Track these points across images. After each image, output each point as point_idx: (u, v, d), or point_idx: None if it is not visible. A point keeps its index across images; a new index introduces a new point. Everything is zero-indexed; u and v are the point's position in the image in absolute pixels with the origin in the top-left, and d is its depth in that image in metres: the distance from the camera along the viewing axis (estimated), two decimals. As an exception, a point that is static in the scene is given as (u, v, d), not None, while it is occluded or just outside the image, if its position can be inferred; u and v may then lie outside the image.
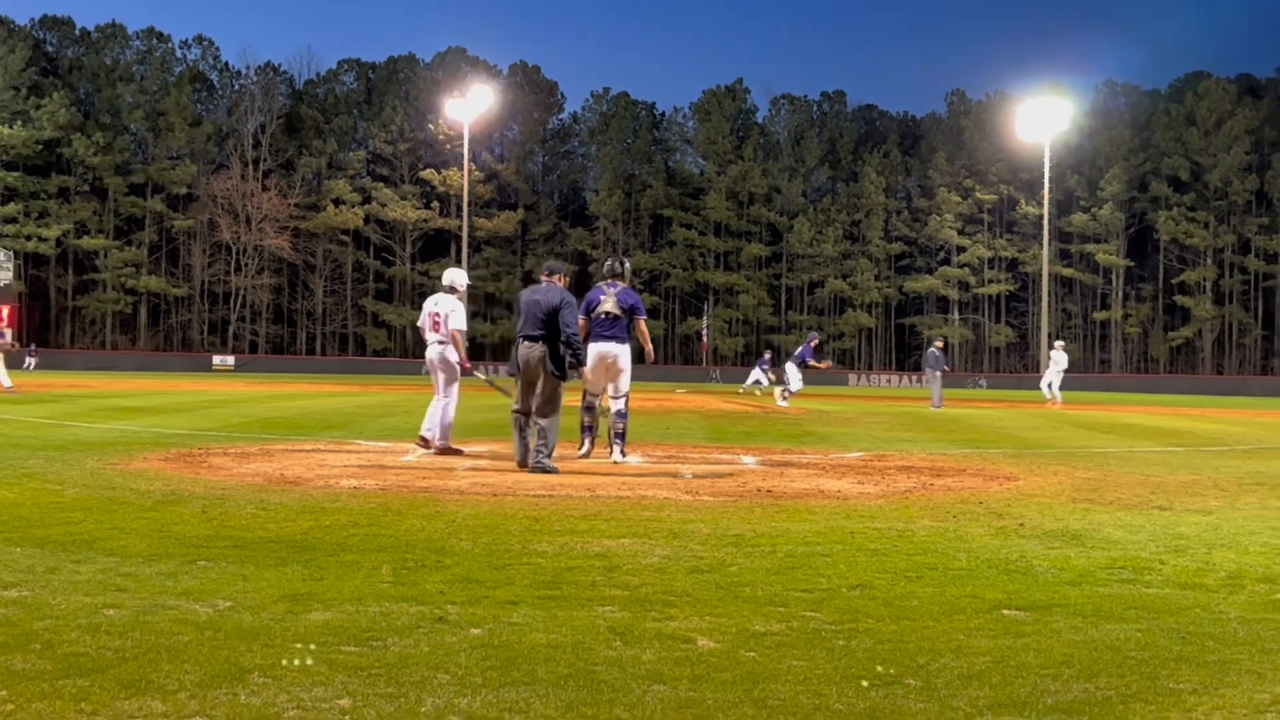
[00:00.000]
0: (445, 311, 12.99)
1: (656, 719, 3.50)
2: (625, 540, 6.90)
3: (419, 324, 13.46)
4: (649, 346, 13.01)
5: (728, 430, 18.92)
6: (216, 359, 77.31)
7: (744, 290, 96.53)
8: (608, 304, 12.24)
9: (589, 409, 12.71)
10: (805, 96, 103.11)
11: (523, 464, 11.11)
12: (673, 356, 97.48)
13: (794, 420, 22.86)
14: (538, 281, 11.66)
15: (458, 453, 12.73)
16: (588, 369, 12.01)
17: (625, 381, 12.39)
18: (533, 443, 11.14)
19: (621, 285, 12.49)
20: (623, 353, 12.28)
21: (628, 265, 12.93)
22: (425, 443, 12.85)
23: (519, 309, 11.41)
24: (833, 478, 11.11)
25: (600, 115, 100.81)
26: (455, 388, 13.07)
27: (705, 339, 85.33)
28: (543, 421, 11.03)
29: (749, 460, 13.00)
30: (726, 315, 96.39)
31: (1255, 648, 4.58)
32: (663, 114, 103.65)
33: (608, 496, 9.09)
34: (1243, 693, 3.92)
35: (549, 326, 11.07)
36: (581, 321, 12.06)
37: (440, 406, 12.88)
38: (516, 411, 11.54)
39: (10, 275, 67.54)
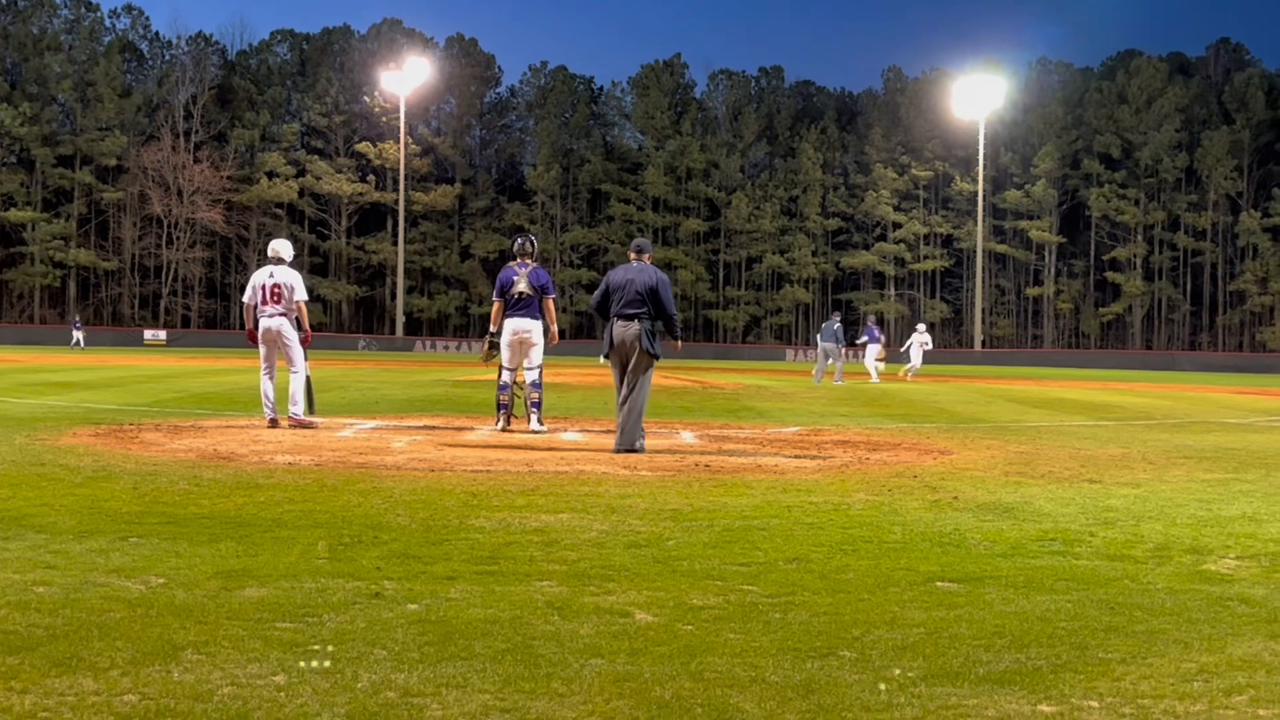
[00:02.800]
0: (288, 283, 12.71)
1: (594, 693, 3.50)
2: (563, 515, 6.90)
3: (246, 299, 12.97)
4: (554, 327, 13.20)
5: (666, 405, 18.96)
6: (148, 333, 76.26)
7: (682, 265, 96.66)
8: (521, 284, 12.82)
9: (504, 387, 12.90)
10: (743, 72, 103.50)
11: (629, 449, 10.77)
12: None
13: (731, 395, 22.97)
14: (626, 261, 11.70)
15: (312, 425, 12.60)
16: (504, 346, 12.90)
17: (538, 355, 12.93)
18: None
19: (532, 265, 13.02)
20: (535, 328, 12.87)
21: (536, 244, 13.47)
22: (275, 423, 12.57)
23: (609, 288, 11.29)
24: (770, 452, 11.18)
25: (538, 89, 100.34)
26: (302, 358, 12.85)
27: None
28: (632, 405, 10.95)
29: (687, 435, 13.05)
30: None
31: (1182, 618, 4.67)
32: (601, 88, 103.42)
33: (546, 472, 9.08)
34: (1170, 662, 4.00)
35: (646, 305, 11.04)
36: (496, 305, 12.95)
37: (294, 379, 12.73)
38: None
39: (-66, 248, 66.35)
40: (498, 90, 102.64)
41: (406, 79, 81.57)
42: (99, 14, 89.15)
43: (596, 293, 11.50)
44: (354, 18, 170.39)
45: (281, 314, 12.68)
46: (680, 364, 44.38)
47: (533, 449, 10.88)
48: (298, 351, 12.77)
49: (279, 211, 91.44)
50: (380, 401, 18.02)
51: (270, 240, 13.45)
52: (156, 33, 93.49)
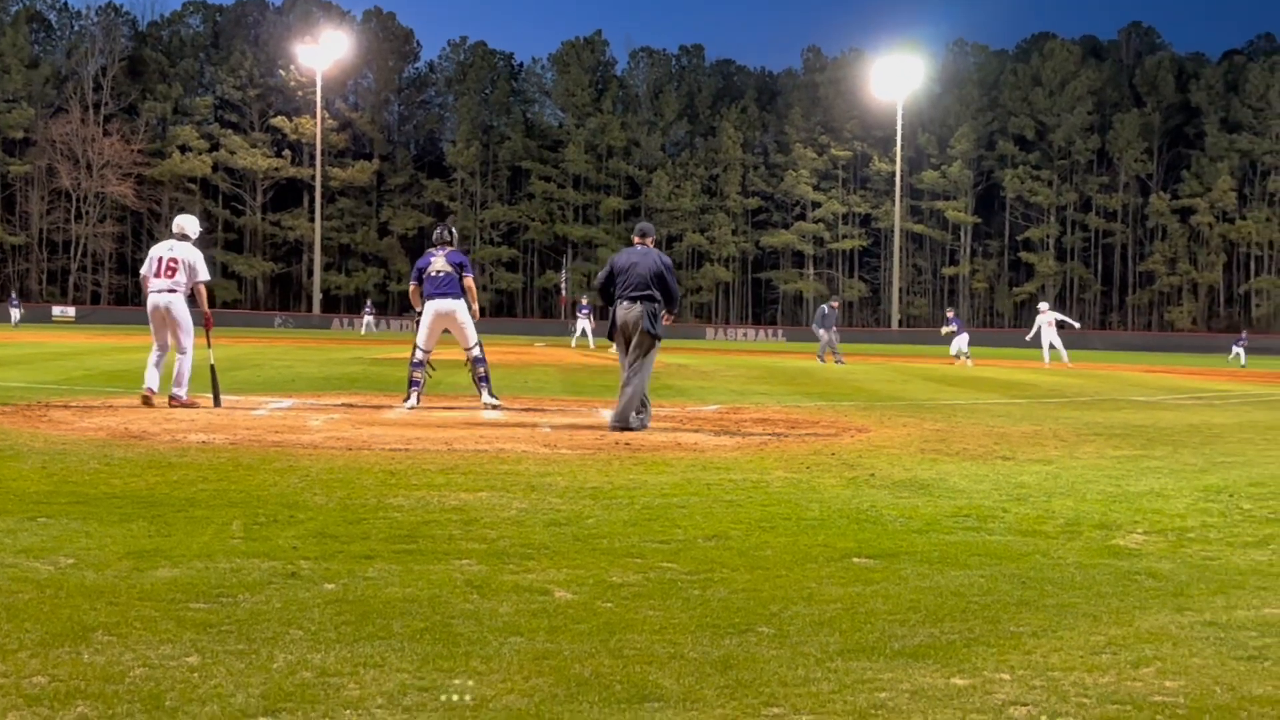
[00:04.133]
0: (187, 260, 12.31)
1: (513, 670, 3.50)
2: (483, 494, 6.88)
3: (143, 271, 12.54)
4: (475, 305, 13.24)
5: (586, 384, 18.96)
6: (56, 310, 74.58)
7: (603, 244, 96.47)
8: (438, 263, 12.83)
9: (419, 365, 12.87)
10: (664, 50, 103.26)
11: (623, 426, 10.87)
12: (531, 310, 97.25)
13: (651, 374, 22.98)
14: (630, 245, 11.83)
15: (194, 405, 12.02)
16: (423, 325, 12.88)
17: (471, 332, 12.96)
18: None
19: (448, 248, 13.08)
20: (459, 307, 12.86)
21: (455, 233, 13.69)
22: (148, 400, 12.09)
23: (614, 271, 11.39)
24: (690, 430, 11.23)
25: (458, 65, 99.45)
26: (191, 340, 12.43)
27: (564, 292, 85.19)
28: (635, 380, 11.09)
29: (607, 413, 13.03)
30: (585, 269, 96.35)
31: (1091, 592, 4.77)
32: (521, 65, 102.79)
33: (465, 450, 9.04)
34: (1080, 635, 4.09)
35: (650, 288, 11.16)
36: (413, 287, 12.99)
37: (181, 360, 12.25)
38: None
39: None
40: (416, 65, 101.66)
41: (323, 52, 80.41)
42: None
43: (600, 274, 11.65)
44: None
45: (173, 290, 12.20)
46: (601, 343, 44.34)
47: (451, 427, 10.83)
48: (188, 333, 12.32)
49: (192, 186, 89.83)
50: (297, 379, 17.81)
51: (176, 216, 12.99)
52: (65, 2, 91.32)
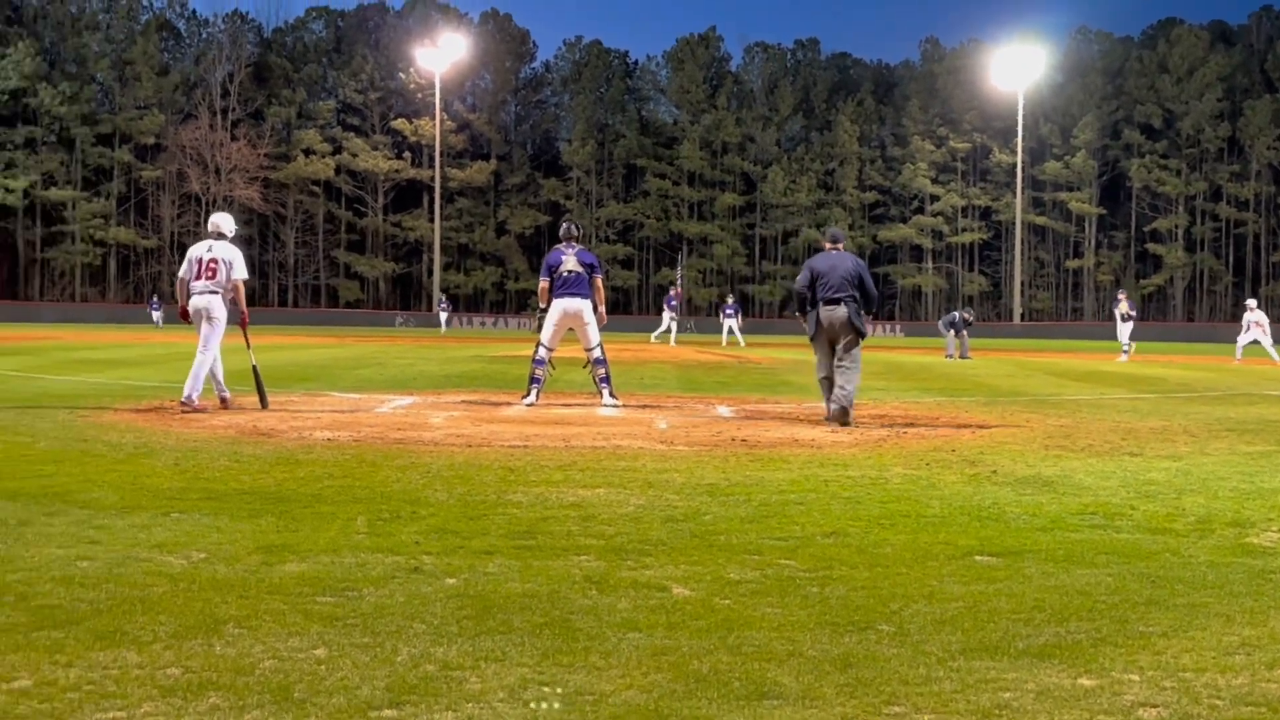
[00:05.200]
0: (226, 259, 12.00)
1: (632, 665, 3.51)
2: (600, 490, 6.92)
3: (181, 274, 12.19)
4: (603, 307, 13.32)
5: (702, 380, 18.95)
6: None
7: (718, 240, 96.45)
8: (569, 263, 12.90)
9: (540, 362, 12.97)
10: (779, 44, 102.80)
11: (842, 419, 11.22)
12: (647, 307, 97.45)
13: (768, 370, 22.91)
14: (822, 250, 12.18)
15: (203, 410, 11.50)
16: (549, 324, 12.96)
17: (594, 333, 12.98)
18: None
19: (579, 246, 13.18)
20: (586, 307, 12.93)
21: (581, 229, 13.65)
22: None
23: (814, 275, 11.75)
24: (807, 426, 11.15)
25: (573, 64, 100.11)
26: (218, 339, 12.03)
27: (679, 289, 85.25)
28: (849, 377, 11.40)
29: (724, 410, 13.03)
30: (700, 265, 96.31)
31: (1224, 591, 4.63)
32: (635, 62, 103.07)
33: (583, 447, 9.10)
34: (1211, 635, 3.97)
35: (850, 289, 11.58)
36: (544, 284, 13.02)
37: (199, 358, 11.88)
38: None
39: (-23, 228, 67.09)
40: (532, 66, 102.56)
41: (442, 55, 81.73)
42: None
43: (801, 279, 11.91)
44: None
45: (213, 291, 11.96)
46: (716, 339, 44.29)
47: (569, 424, 10.90)
48: (218, 333, 11.98)
49: (315, 189, 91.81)
50: (418, 378, 18.09)
51: (212, 215, 12.62)
52: (194, 10, 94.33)
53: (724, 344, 39.67)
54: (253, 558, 4.93)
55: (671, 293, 43.52)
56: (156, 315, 58.45)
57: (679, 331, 41.69)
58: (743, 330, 41.60)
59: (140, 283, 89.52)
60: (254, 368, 12.29)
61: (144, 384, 15.63)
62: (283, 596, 4.28)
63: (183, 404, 11.56)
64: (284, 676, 3.36)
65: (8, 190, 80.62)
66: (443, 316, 65.15)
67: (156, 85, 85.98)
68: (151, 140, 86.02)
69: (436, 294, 72.38)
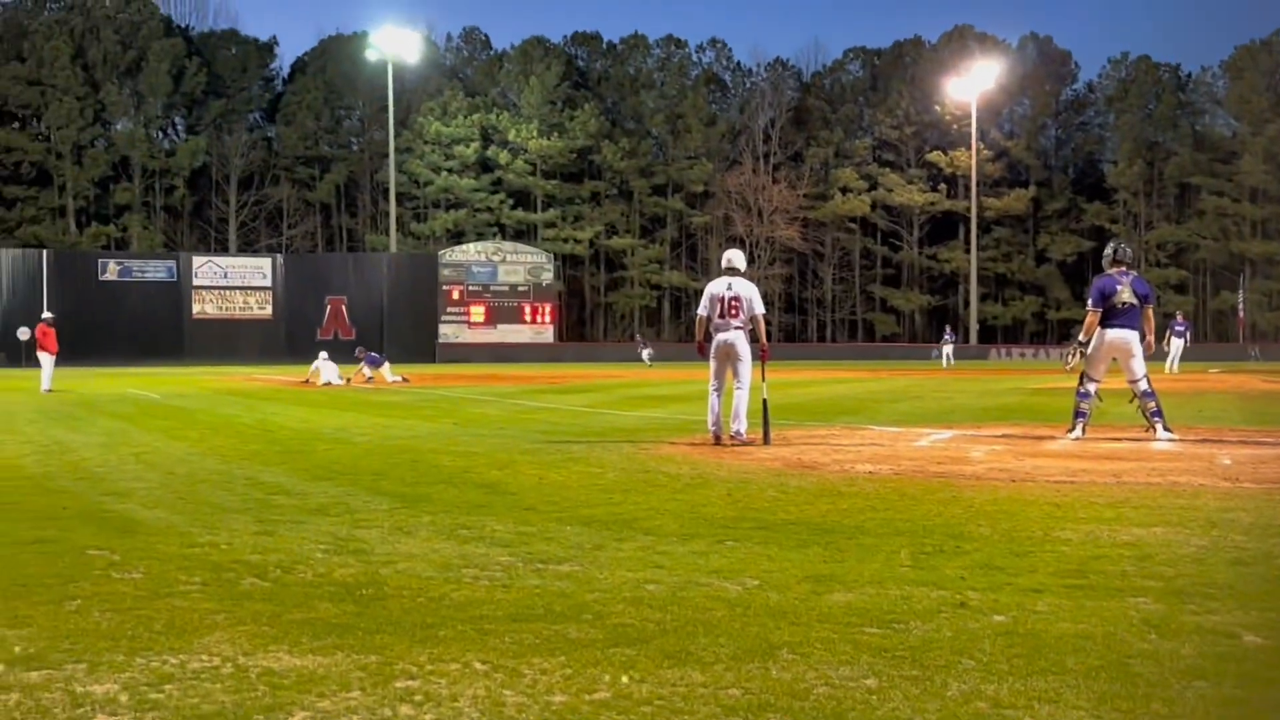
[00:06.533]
0: (746, 296, 12.15)
1: (1198, 716, 3.31)
2: (1157, 529, 6.55)
3: (701, 312, 12.47)
4: (1151, 336, 12.71)
5: (1268, 412, 17.38)
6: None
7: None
8: (1125, 294, 12.32)
9: (1086, 395, 12.48)
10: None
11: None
12: (1204, 334, 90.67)
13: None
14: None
15: (752, 443, 11.86)
16: (1096, 355, 12.46)
17: (1139, 364, 12.41)
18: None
19: (1133, 273, 12.52)
20: (1134, 340, 12.39)
21: (1132, 251, 13.24)
22: (738, 436, 12.06)
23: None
24: (1400, 466, 9.94)
25: (1118, 82, 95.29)
26: (749, 374, 12.25)
27: (1241, 314, 78.70)
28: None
29: (1297, 446, 11.89)
30: (1265, 288, 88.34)
31: None
32: (1189, 75, 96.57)
33: (1135, 483, 8.64)
34: None
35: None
36: (1091, 316, 12.46)
37: (738, 395, 12.13)
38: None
39: (551, 275, 74.08)
40: (1074, 87, 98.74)
41: (977, 83, 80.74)
42: (686, 50, 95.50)
43: None
44: (924, 28, 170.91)
45: (739, 328, 12.19)
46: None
47: (1119, 459, 10.39)
48: (748, 368, 12.24)
49: (852, 225, 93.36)
50: (955, 411, 17.92)
51: (725, 251, 12.86)
52: (738, 62, 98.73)
53: (1168, 369, 36.09)
54: (802, 586, 5.11)
55: (1178, 317, 40.77)
56: (646, 354, 60.62)
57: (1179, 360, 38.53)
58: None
59: (691, 323, 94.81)
60: (764, 402, 12.37)
61: (696, 418, 16.55)
62: (832, 625, 4.41)
63: (731, 438, 12.12)
64: (837, 704, 3.47)
65: (576, 241, 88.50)
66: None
67: (705, 135, 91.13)
68: (700, 188, 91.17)
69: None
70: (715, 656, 3.99)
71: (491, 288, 70.34)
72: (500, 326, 69.42)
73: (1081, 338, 12.65)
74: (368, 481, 9.14)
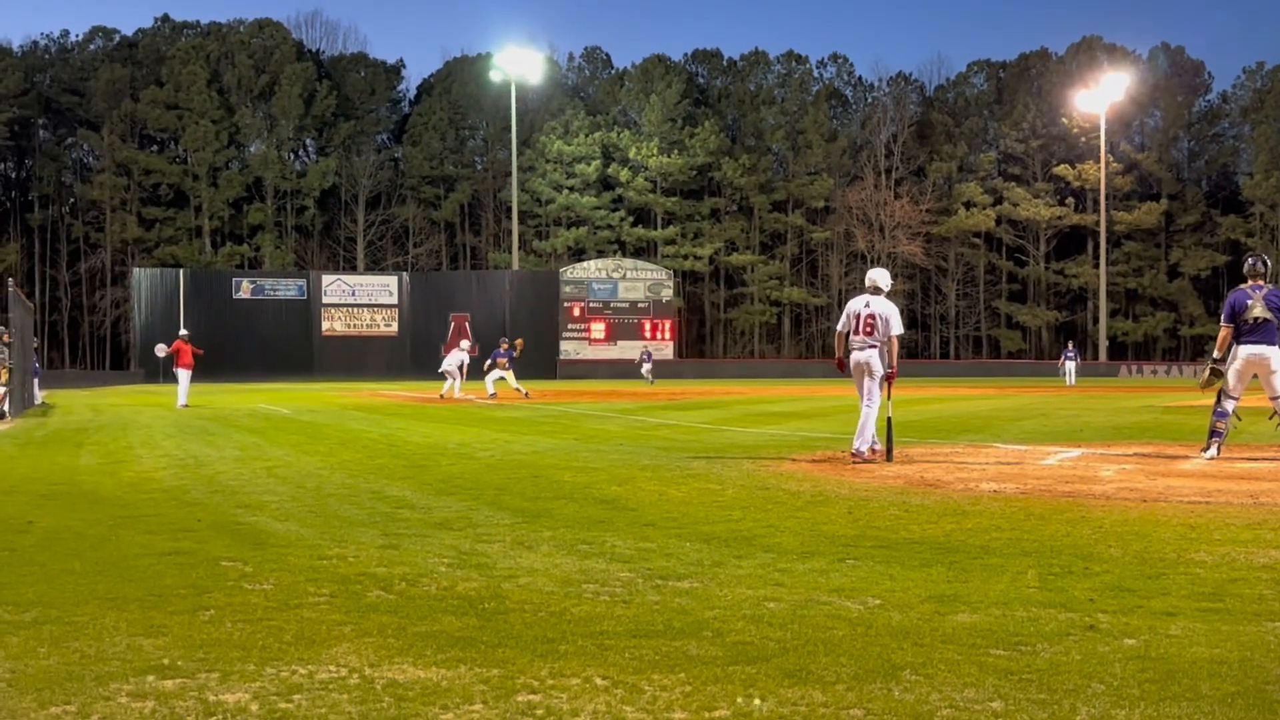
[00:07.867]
0: (883, 315, 12.23)
1: (1342, 751, 3.19)
2: (1297, 554, 6.33)
3: (840, 328, 12.58)
4: None
5: None
6: (853, 364, 79.42)
7: None
8: (1257, 309, 11.82)
9: (1223, 415, 12.01)
10: None
11: None
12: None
13: None
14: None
15: (872, 460, 11.91)
16: (1233, 372, 12.00)
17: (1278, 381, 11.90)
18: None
19: (1267, 286, 12.02)
20: (1275, 355, 11.81)
21: (1270, 263, 12.41)
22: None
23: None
24: None
25: (1254, 92, 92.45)
26: (879, 391, 12.29)
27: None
28: None
29: None
30: None
31: None
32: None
33: (1274, 504, 8.35)
34: None
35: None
36: (1224, 331, 12.07)
37: (866, 412, 12.22)
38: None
39: (671, 292, 74.29)
40: (1208, 98, 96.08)
41: (1106, 95, 78.98)
42: (808, 65, 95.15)
43: None
44: (1052, 40, 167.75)
45: (873, 346, 12.31)
46: None
47: (1257, 479, 10.05)
48: (877, 387, 12.35)
49: (976, 240, 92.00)
50: (1084, 429, 17.51)
51: (869, 270, 12.86)
52: (859, 77, 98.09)
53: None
54: (925, 606, 5.04)
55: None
56: (646, 369, 57.05)
57: None
58: None
59: (811, 339, 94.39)
60: (889, 420, 12.30)
61: (816, 435, 16.44)
62: (956, 646, 4.34)
63: (853, 455, 12.08)
64: (960, 726, 3.41)
65: (696, 258, 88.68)
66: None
67: (825, 151, 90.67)
68: (821, 204, 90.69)
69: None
70: (836, 676, 3.95)
71: (612, 304, 70.81)
72: (620, 343, 69.67)
73: (1215, 354, 12.27)
74: (490, 496, 9.26)
